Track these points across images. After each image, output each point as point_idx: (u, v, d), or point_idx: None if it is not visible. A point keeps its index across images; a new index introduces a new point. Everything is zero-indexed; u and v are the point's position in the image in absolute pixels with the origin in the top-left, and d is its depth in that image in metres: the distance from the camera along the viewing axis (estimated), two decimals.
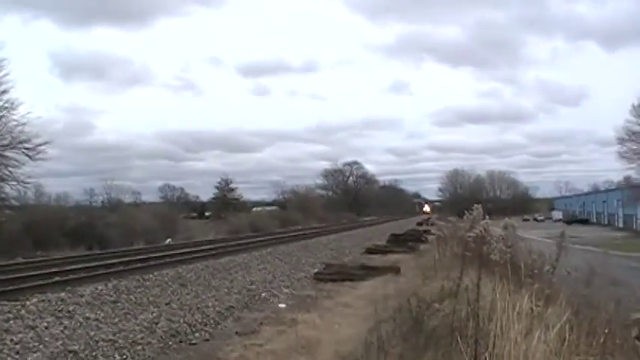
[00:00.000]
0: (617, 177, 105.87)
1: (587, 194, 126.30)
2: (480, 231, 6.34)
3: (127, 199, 79.20)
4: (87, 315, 12.92)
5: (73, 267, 21.44)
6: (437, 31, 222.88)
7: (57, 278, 17.69)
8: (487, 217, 7.86)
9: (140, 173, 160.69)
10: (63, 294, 14.86)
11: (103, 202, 74.33)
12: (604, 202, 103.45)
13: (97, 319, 12.62)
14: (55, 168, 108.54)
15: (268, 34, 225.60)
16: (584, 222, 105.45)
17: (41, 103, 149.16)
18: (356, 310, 13.89)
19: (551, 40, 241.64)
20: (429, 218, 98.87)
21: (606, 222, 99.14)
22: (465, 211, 10.68)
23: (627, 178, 76.82)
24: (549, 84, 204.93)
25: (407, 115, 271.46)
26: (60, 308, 13.35)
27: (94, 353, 10.01)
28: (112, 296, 15.20)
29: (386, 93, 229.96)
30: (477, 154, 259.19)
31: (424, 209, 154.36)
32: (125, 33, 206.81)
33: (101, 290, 15.73)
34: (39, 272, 19.23)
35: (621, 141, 62.95)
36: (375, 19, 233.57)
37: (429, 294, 10.14)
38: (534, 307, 6.03)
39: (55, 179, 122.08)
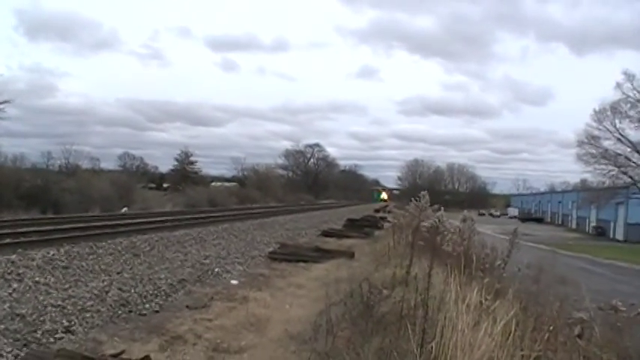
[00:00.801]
0: (573, 179, 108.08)
1: (543, 194, 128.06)
2: (435, 222, 6.41)
3: (85, 165, 78.40)
4: (37, 279, 12.77)
5: (26, 230, 21.23)
6: (411, 20, 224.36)
7: (8, 240, 17.49)
8: (442, 208, 7.94)
9: (100, 140, 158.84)
10: (14, 256, 14.66)
11: (60, 166, 73.34)
12: (559, 202, 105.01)
13: (46, 284, 12.48)
14: (13, 128, 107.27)
15: (241, 10, 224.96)
16: (539, 220, 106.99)
17: (3, 61, 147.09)
18: (308, 291, 13.95)
19: (522, 39, 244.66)
20: (386, 205, 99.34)
21: (560, 222, 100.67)
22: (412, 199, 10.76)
23: (583, 181, 78.34)
24: (517, 82, 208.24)
25: (373, 101, 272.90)
26: (9, 271, 13.18)
27: (41, 318, 9.91)
28: (63, 262, 15.04)
29: (354, 78, 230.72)
30: (439, 146, 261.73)
31: (381, 196, 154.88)
32: None
33: (53, 255, 15.56)
34: None
35: (580, 144, 63.96)
36: (350, 3, 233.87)
37: (381, 280, 10.25)
38: (483, 301, 6.13)
39: (13, 139, 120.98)
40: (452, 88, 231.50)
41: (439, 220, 6.44)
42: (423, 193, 7.66)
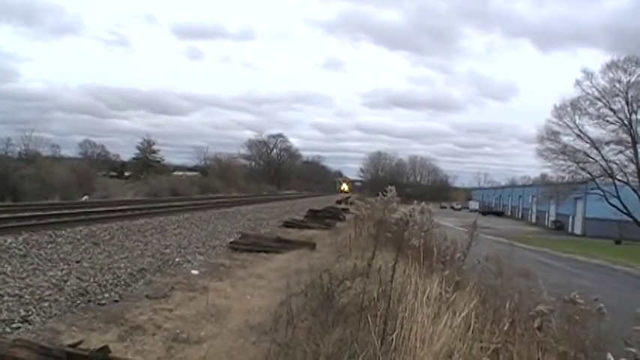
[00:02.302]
0: (534, 174, 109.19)
1: (504, 187, 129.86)
2: (405, 215, 6.43)
3: (46, 152, 77.55)
4: None
5: None
6: (378, 12, 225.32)
7: None
8: (415, 201, 7.99)
9: (61, 126, 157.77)
10: None
11: (20, 153, 72.43)
12: (520, 196, 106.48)
13: (3, 273, 12.30)
14: None
15: None
16: (499, 214, 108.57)
17: None
18: (269, 282, 13.94)
19: (488, 35, 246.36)
20: (348, 197, 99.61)
21: (520, 216, 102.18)
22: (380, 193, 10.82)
23: (544, 176, 79.26)
24: (481, 77, 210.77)
25: (338, 93, 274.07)
26: None
27: None
28: (21, 250, 14.86)
29: (320, 69, 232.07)
30: (402, 139, 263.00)
31: (342, 187, 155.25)
32: None
33: (10, 243, 15.36)
34: None
35: (541, 139, 65.15)
36: None
37: (342, 271, 10.25)
38: (443, 293, 6.17)
39: None
40: (417, 82, 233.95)
41: (410, 215, 6.45)
42: (390, 187, 7.69)
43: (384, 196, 7.72)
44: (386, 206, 7.43)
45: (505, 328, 5.45)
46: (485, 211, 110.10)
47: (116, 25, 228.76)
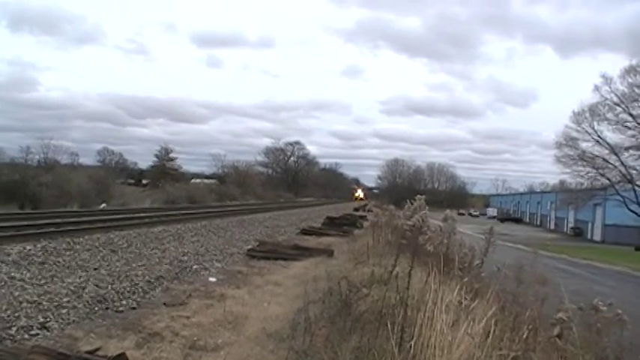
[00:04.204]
0: (553, 180, 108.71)
1: (522, 194, 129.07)
2: (418, 221, 6.38)
3: (64, 160, 77.87)
4: (12, 274, 12.66)
5: (2, 225, 21.03)
6: (398, 20, 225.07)
7: None
8: (427, 208, 7.93)
9: (80, 134, 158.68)
10: None
11: (39, 161, 72.81)
12: (538, 203, 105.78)
13: (22, 280, 12.37)
14: None
15: (227, 6, 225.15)
16: (518, 221, 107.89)
17: None
18: (286, 289, 13.91)
19: (508, 41, 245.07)
20: (365, 204, 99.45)
21: (538, 223, 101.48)
22: (404, 201, 10.78)
23: (562, 182, 78.81)
24: (501, 83, 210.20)
25: (356, 100, 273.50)
26: None
27: (16, 314, 9.80)
28: (40, 257, 14.93)
29: (339, 76, 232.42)
30: (420, 145, 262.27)
31: (356, 194, 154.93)
32: None
33: (29, 250, 15.44)
34: None
35: (559, 146, 64.63)
36: (337, 2, 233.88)
37: (360, 279, 10.22)
38: (462, 300, 6.11)
39: None
40: (436, 88, 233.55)
41: (422, 220, 6.41)
42: (418, 196, 7.65)
43: (412, 204, 7.68)
44: (411, 215, 7.37)
45: (525, 335, 5.39)
46: (504, 218, 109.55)
47: (136, 34, 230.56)
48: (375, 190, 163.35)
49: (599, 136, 61.51)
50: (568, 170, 65.55)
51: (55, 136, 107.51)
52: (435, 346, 5.02)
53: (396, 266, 6.99)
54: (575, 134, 62.93)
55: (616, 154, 61.03)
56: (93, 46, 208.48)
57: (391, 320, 5.83)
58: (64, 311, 10.48)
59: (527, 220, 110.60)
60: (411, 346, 5.23)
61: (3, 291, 11.18)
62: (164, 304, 12.03)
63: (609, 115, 60.35)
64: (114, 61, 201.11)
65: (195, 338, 9.20)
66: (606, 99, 59.67)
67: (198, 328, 9.85)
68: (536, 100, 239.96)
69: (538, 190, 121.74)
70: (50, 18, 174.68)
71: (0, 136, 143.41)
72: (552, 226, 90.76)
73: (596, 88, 59.90)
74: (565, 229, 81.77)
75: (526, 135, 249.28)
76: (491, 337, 5.13)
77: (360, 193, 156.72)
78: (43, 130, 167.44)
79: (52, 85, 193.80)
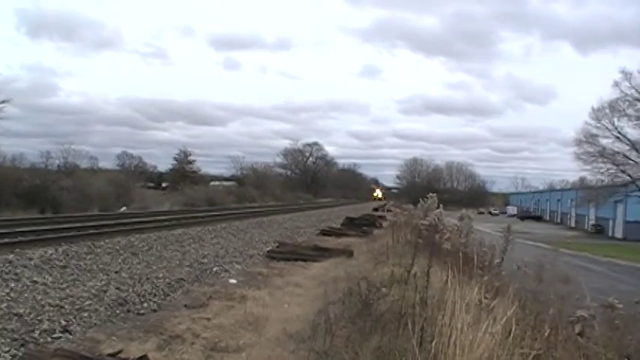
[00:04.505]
0: (572, 177, 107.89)
1: (542, 192, 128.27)
2: (434, 220, 6.38)
3: (84, 164, 78.34)
4: (34, 278, 12.74)
5: (24, 229, 21.17)
6: (415, 19, 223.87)
7: (6, 240, 17.43)
8: (441, 206, 7.91)
9: (100, 138, 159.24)
10: (11, 256, 14.62)
11: (59, 165, 73.26)
12: (558, 200, 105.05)
13: (44, 284, 12.45)
14: (14, 128, 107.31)
15: (245, 8, 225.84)
16: (538, 219, 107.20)
17: (5, 61, 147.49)
18: (306, 290, 13.92)
19: (526, 38, 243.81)
20: (385, 204, 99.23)
21: (559, 220, 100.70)
22: (421, 200, 10.76)
23: (582, 179, 78.20)
24: (519, 81, 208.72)
25: (374, 100, 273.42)
26: (7, 270, 13.14)
27: (39, 317, 9.88)
28: (61, 261, 15.01)
29: (356, 76, 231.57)
30: (439, 144, 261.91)
31: (374, 194, 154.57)
32: None
33: (51, 254, 15.53)
34: None
35: (579, 143, 64.11)
36: (354, 2, 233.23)
37: (380, 279, 10.20)
38: (483, 299, 6.09)
39: (13, 139, 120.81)
40: (454, 87, 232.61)
41: (438, 219, 6.40)
42: (430, 194, 7.65)
43: (424, 202, 7.68)
44: (425, 213, 7.36)
45: (546, 334, 5.37)
46: (524, 216, 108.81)
47: (154, 38, 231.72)
48: (394, 190, 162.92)
49: (619, 132, 61.00)
50: (588, 167, 65.06)
51: (75, 140, 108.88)
52: (456, 345, 5.01)
53: (413, 266, 6.98)
54: (594, 131, 62.44)
55: (637, 150, 60.44)
56: (112, 51, 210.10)
57: (411, 320, 5.83)
58: (86, 314, 10.56)
59: (548, 218, 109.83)
60: (431, 346, 5.22)
61: (26, 295, 11.27)
62: (185, 306, 12.09)
63: (629, 111, 59.82)
64: (132, 65, 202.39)
65: (216, 340, 9.23)
66: (626, 94, 59.10)
67: (219, 330, 9.88)
68: (556, 97, 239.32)
69: (558, 188, 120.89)
70: (69, 24, 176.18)
71: (21, 141, 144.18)
72: (573, 224, 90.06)
73: (616, 84, 59.36)
74: (586, 226, 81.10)
75: (545, 132, 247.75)
76: (512, 335, 5.11)
77: (378, 193, 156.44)
78: (63, 135, 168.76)
79: (71, 91, 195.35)
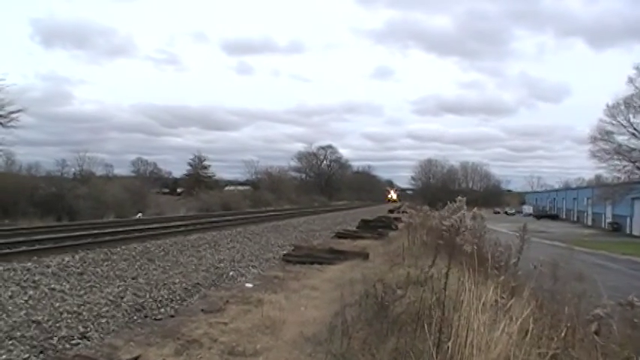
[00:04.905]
0: (588, 175, 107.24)
1: (557, 190, 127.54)
2: (456, 221, 6.36)
3: (99, 171, 78.90)
4: (52, 286, 12.83)
5: (41, 237, 21.33)
6: (427, 19, 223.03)
7: (23, 248, 17.59)
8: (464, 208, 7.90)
9: (115, 146, 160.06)
10: (29, 264, 14.76)
11: (74, 173, 73.73)
12: (574, 199, 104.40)
13: (62, 291, 12.53)
14: (29, 137, 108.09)
15: (256, 12, 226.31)
16: (554, 217, 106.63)
17: (20, 70, 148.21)
18: (323, 293, 13.92)
19: (539, 35, 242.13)
20: (400, 206, 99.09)
21: (575, 219, 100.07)
22: (438, 201, 10.77)
23: (598, 177, 77.74)
24: (533, 79, 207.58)
25: (387, 101, 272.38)
26: (25, 278, 13.25)
27: (57, 324, 9.95)
28: (78, 268, 15.10)
29: (369, 78, 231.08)
30: (453, 145, 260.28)
31: (389, 196, 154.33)
32: (110, 2, 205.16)
33: (68, 262, 15.63)
34: (5, 241, 19.11)
35: (594, 140, 63.76)
36: (365, 3, 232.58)
37: (396, 280, 10.19)
38: (499, 299, 6.08)
39: (29, 148, 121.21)
40: (467, 87, 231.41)
41: (460, 220, 6.37)
42: (459, 197, 7.64)
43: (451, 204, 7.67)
44: (450, 215, 7.35)
45: (563, 333, 5.35)
46: (540, 215, 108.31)
47: (166, 44, 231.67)
48: (409, 191, 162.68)
49: (634, 129, 60.61)
50: (604, 165, 64.71)
51: (89, 148, 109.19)
52: (472, 346, 5.01)
53: (432, 267, 6.98)
54: (610, 128, 62.09)
55: None
56: (125, 58, 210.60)
57: (428, 321, 5.82)
58: (104, 321, 10.61)
59: (564, 216, 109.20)
60: (448, 347, 5.22)
61: (44, 302, 11.34)
62: (202, 310, 12.11)
63: None
64: (146, 72, 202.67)
65: (233, 344, 9.25)
66: None
67: (237, 334, 9.90)
68: (570, 94, 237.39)
69: (574, 186, 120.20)
70: (82, 32, 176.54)
71: (36, 150, 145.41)
72: (589, 222, 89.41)
73: (631, 80, 59.03)
74: (603, 224, 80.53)
75: (560, 130, 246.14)
76: (529, 335, 5.09)
77: (392, 195, 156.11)
78: (78, 143, 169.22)
79: (85, 99, 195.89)
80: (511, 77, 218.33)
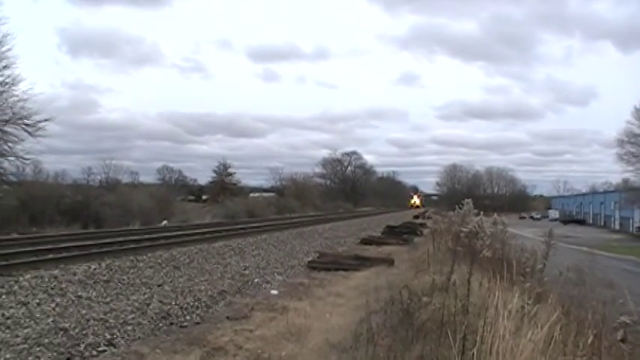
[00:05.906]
0: (616, 179, 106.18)
1: (584, 195, 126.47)
2: (474, 227, 6.35)
3: (125, 179, 79.50)
4: (79, 293, 12.94)
5: (68, 245, 21.49)
6: (452, 24, 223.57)
7: (51, 255, 17.74)
8: (481, 213, 7.87)
9: (141, 153, 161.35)
10: (56, 271, 14.89)
11: (100, 181, 74.39)
12: (601, 203, 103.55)
13: (88, 298, 12.63)
14: (57, 145, 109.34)
15: (281, 19, 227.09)
16: (581, 222, 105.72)
17: (47, 80, 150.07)
18: (348, 300, 13.90)
19: (566, 39, 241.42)
20: (425, 212, 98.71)
21: (602, 223, 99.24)
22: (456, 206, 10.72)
23: (625, 181, 77.01)
24: (560, 83, 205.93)
25: (413, 107, 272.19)
26: (52, 285, 13.37)
27: (84, 331, 10.02)
28: (104, 275, 15.21)
29: (394, 84, 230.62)
30: (479, 150, 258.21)
31: (412, 201, 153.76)
32: (136, 11, 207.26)
33: (94, 269, 15.74)
34: (33, 249, 19.28)
35: (621, 143, 63.20)
36: (391, 9, 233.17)
37: (421, 287, 10.15)
38: (525, 305, 6.04)
39: (56, 156, 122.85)
40: (493, 91, 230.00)
41: (479, 226, 6.36)
42: (466, 200, 7.63)
43: (460, 209, 7.66)
44: (462, 219, 7.34)
45: (590, 340, 5.30)
46: (566, 220, 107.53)
47: (192, 52, 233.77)
48: (435, 197, 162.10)
49: None
50: (631, 168, 64.12)
51: (116, 156, 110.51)
52: (498, 353, 4.98)
53: (452, 273, 6.95)
54: (637, 130, 61.52)
55: None
56: (151, 67, 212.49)
57: (452, 328, 5.80)
58: (130, 328, 10.67)
59: (591, 221, 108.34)
60: (473, 354, 5.19)
61: (71, 310, 11.43)
62: (227, 318, 12.14)
63: None
64: (172, 80, 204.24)
65: (259, 351, 9.26)
66: None
67: (262, 341, 9.91)
68: (597, 97, 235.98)
69: (601, 190, 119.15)
70: (108, 41, 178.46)
71: (63, 158, 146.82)
72: (617, 227, 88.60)
73: None
74: (630, 229, 79.71)
75: (587, 134, 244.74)
76: (554, 342, 5.06)
77: (415, 200, 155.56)
78: (104, 151, 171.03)
79: (112, 107, 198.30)
80: (537, 81, 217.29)
